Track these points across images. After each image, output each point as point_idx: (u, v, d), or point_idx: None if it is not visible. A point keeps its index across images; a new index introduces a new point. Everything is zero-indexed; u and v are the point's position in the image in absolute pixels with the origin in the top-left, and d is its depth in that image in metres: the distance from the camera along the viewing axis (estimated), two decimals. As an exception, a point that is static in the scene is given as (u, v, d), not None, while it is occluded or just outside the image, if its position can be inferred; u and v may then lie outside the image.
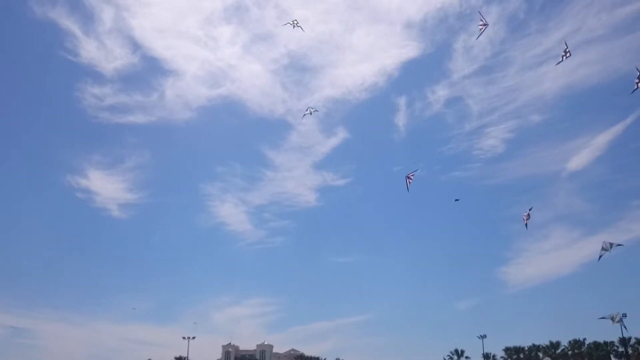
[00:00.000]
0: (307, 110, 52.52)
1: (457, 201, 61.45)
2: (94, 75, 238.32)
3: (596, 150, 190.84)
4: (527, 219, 53.02)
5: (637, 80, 36.98)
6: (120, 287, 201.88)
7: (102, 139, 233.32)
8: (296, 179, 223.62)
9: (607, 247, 41.51)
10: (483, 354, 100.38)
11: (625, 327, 77.63)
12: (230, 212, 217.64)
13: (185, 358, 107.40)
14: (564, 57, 38.01)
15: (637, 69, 36.95)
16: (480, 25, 37.85)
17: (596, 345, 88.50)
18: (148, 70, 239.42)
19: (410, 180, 49.82)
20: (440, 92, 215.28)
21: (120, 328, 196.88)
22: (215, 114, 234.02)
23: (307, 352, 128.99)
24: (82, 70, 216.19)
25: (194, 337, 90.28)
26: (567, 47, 39.77)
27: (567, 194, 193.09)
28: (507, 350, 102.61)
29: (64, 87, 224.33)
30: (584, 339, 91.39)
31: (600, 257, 41.66)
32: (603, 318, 60.39)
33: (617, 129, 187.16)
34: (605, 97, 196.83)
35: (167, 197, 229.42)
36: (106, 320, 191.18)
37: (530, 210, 53.88)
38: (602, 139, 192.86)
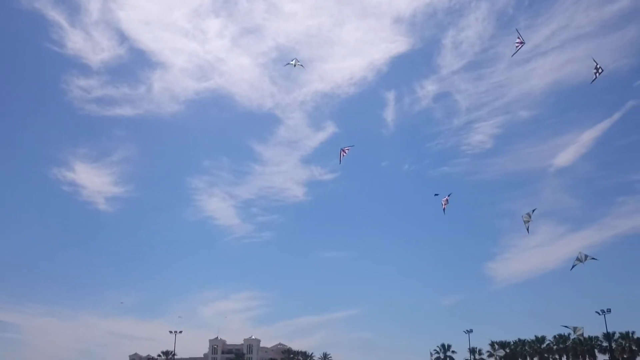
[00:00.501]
0: (292, 61, 50.29)
1: (436, 196, 60.93)
2: (80, 67, 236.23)
3: (583, 146, 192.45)
4: (528, 221, 50.99)
5: (595, 71, 36.87)
6: (107, 282, 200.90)
7: (88, 132, 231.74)
8: (284, 173, 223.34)
9: (582, 259, 41.71)
10: (469, 349, 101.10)
11: (582, 338, 79.03)
12: (218, 206, 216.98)
13: (172, 352, 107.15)
14: (597, 74, 36.71)
15: (594, 60, 36.75)
16: (517, 42, 37.30)
17: (581, 340, 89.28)
18: (135, 63, 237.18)
19: (446, 204, 50.40)
20: (429, 87, 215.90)
21: (106, 322, 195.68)
22: (203, 107, 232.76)
23: (295, 347, 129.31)
24: (68, 61, 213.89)
25: (180, 332, 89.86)
26: (597, 65, 38.60)
27: (554, 190, 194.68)
28: (493, 344, 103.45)
29: (50, 78, 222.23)
30: (569, 334, 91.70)
31: (573, 266, 41.81)
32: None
33: (603, 125, 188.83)
34: (593, 94, 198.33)
35: (154, 190, 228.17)
36: (93, 315, 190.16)
37: (533, 211, 51.56)
38: (588, 136, 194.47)
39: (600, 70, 36.43)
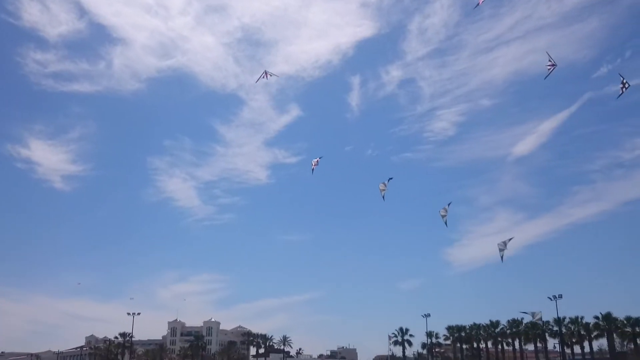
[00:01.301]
0: (264, 76, 47.80)
1: (390, 180, 61.50)
2: (36, 40, 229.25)
3: (542, 136, 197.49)
4: (445, 214, 52.63)
5: (548, 66, 37.24)
6: (62, 262, 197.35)
7: (44, 108, 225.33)
8: (247, 155, 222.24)
9: (503, 247, 42.66)
10: (426, 332, 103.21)
11: (541, 321, 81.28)
12: (179, 187, 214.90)
13: (129, 334, 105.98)
14: (623, 89, 36.13)
15: (548, 53, 37.24)
16: (549, 65, 36.71)
17: (533, 324, 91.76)
18: (95, 38, 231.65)
19: (384, 190, 50.12)
20: (394, 73, 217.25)
21: (62, 303, 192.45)
22: (165, 86, 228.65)
23: (254, 330, 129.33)
24: (24, 34, 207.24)
25: (139, 313, 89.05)
26: (550, 59, 38.57)
27: (513, 178, 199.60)
28: (449, 328, 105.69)
29: (4, 51, 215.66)
30: (522, 319, 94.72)
31: (502, 258, 42.77)
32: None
33: (562, 116, 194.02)
34: (552, 85, 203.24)
35: (113, 169, 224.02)
36: (47, 295, 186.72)
37: (448, 205, 53.20)
38: (547, 126, 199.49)
39: (553, 67, 36.69)
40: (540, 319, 51.19)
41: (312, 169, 43.45)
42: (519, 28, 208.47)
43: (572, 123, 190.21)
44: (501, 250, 42.39)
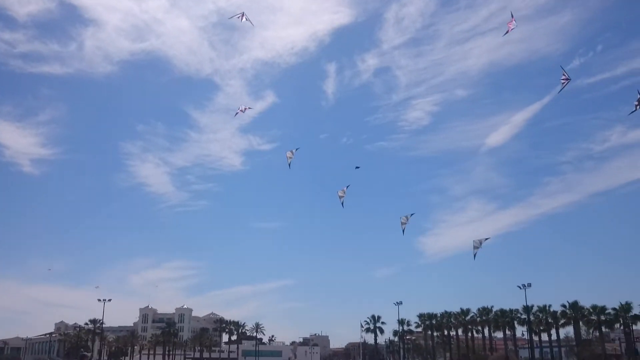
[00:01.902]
0: (238, 16, 43.80)
1: (357, 168, 62.14)
2: (4, 19, 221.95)
3: (514, 127, 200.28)
4: (405, 224, 53.32)
5: (562, 80, 36.53)
6: (31, 247, 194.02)
7: (13, 89, 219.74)
8: (221, 141, 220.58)
9: (478, 245, 42.95)
10: (398, 320, 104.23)
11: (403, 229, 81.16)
12: (151, 172, 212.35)
13: (100, 321, 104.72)
14: (638, 106, 35.11)
15: (562, 68, 36.35)
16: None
17: (502, 312, 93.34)
18: (66, 18, 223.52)
19: (343, 196, 50.59)
20: (370, 61, 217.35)
21: (31, 289, 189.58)
22: (137, 69, 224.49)
23: (227, 317, 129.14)
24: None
25: (109, 300, 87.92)
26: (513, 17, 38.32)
27: (485, 168, 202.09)
28: (420, 316, 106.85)
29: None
30: (492, 307, 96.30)
31: (474, 255, 43.10)
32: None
33: (534, 107, 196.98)
34: (526, 77, 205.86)
35: (83, 154, 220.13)
36: (15, 281, 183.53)
37: (411, 215, 53.90)
38: (520, 117, 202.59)
39: (567, 81, 36.19)
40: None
41: (289, 164, 42.53)
42: (494, 19, 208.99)
43: (544, 115, 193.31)
44: (476, 248, 42.62)
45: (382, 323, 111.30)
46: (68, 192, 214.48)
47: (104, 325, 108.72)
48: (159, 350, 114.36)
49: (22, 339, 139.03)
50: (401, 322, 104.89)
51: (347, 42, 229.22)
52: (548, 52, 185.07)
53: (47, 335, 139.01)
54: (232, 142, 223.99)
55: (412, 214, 49.47)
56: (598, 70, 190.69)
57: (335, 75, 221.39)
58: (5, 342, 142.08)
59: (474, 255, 42.80)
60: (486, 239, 43.52)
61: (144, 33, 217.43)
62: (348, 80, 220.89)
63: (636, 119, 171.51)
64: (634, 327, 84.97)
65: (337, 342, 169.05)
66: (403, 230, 44.80)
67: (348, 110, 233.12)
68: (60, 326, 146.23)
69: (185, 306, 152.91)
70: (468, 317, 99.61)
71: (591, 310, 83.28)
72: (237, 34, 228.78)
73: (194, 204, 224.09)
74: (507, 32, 37.81)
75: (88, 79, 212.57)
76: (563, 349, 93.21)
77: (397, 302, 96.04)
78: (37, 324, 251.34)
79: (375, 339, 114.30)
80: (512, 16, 37.64)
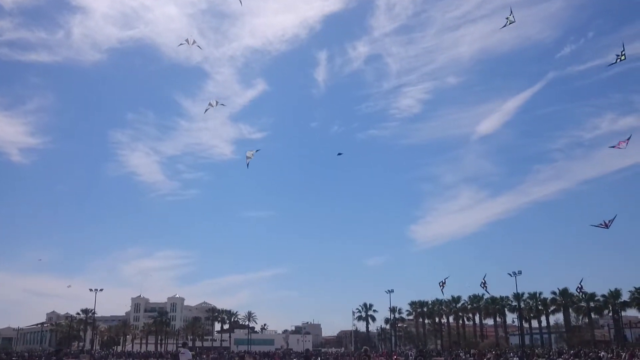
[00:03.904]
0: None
1: (339, 155, 63.32)
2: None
3: (505, 115, 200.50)
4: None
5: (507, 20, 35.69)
6: (22, 237, 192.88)
7: (0, 77, 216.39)
8: (212, 130, 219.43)
9: (250, 156, 41.80)
10: (390, 308, 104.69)
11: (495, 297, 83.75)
12: (142, 161, 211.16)
13: (92, 311, 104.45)
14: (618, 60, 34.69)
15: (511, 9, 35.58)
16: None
17: (493, 299, 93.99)
18: (53, 6, 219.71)
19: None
20: (361, 49, 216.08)
21: (22, 279, 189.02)
22: (126, 57, 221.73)
23: (219, 306, 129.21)
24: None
25: (101, 289, 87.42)
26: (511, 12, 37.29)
27: (477, 156, 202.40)
28: (412, 304, 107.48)
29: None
30: (482, 294, 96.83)
31: (247, 164, 41.96)
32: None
33: (525, 95, 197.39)
34: (517, 64, 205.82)
35: (72, 143, 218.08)
36: (6, 272, 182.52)
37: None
38: (511, 105, 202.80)
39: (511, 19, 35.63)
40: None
41: (247, 164, 41.56)
42: (486, 6, 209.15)
43: (535, 102, 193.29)
44: (248, 158, 41.50)
45: (374, 311, 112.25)
46: (57, 181, 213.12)
47: (96, 315, 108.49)
48: (151, 339, 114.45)
49: (14, 329, 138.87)
50: (393, 310, 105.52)
51: (338, 29, 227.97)
52: (540, 39, 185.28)
53: (39, 326, 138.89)
54: (223, 131, 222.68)
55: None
56: (589, 57, 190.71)
57: (326, 63, 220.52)
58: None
59: (247, 165, 41.85)
60: (257, 150, 42.74)
61: (132, 20, 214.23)
62: (339, 68, 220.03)
63: (626, 107, 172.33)
64: (623, 313, 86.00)
65: (329, 331, 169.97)
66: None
67: (339, 98, 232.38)
68: (52, 316, 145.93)
69: (177, 295, 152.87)
70: (459, 305, 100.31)
71: (581, 297, 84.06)
72: (227, 21, 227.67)
73: (184, 193, 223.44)
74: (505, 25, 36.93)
75: (76, 67, 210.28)
76: (553, 336, 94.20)
77: (389, 290, 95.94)
78: (29, 314, 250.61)
79: (367, 327, 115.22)
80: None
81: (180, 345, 18.19)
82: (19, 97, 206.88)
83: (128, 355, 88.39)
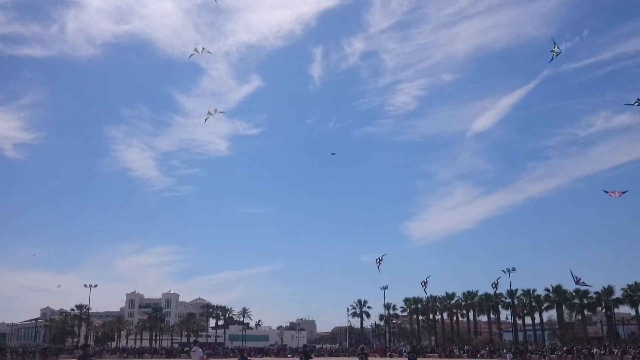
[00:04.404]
0: (212, 112, 42.50)
1: (333, 155, 64.67)
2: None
3: (500, 112, 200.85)
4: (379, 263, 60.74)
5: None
6: (16, 233, 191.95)
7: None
8: (207, 126, 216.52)
9: (212, 113, 41.90)
10: (384, 304, 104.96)
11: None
12: (136, 157, 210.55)
13: (86, 306, 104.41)
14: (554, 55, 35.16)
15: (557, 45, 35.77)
16: (554, 51, 34.48)
17: (487, 296, 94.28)
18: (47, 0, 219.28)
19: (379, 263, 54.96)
20: (357, 45, 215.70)
21: (17, 275, 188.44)
22: (121, 52, 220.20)
23: (214, 302, 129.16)
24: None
25: (96, 285, 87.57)
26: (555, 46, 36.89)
27: (472, 153, 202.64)
28: (406, 300, 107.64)
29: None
30: (476, 291, 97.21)
31: (205, 119, 42.19)
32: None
33: (520, 92, 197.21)
34: (512, 61, 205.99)
35: (67, 138, 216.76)
36: (0, 267, 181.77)
37: (382, 256, 61.33)
38: (506, 102, 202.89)
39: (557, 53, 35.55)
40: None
41: (205, 119, 41.77)
42: (481, 3, 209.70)
43: (530, 100, 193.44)
44: (210, 114, 41.69)
45: (368, 307, 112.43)
46: (52, 177, 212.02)
47: (90, 311, 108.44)
48: (146, 335, 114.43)
49: (8, 324, 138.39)
50: (387, 306, 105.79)
51: (334, 25, 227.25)
52: (535, 37, 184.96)
53: (33, 321, 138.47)
54: (218, 127, 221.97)
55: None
56: (584, 55, 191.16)
57: (322, 59, 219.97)
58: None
59: (205, 120, 42.14)
60: (220, 112, 42.94)
61: (127, 15, 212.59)
62: (334, 64, 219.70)
63: (620, 105, 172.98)
64: (616, 310, 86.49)
65: (324, 327, 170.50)
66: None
67: (334, 94, 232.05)
68: (46, 312, 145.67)
69: (172, 291, 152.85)
70: (453, 301, 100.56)
71: (574, 293, 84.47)
72: (222, 16, 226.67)
73: (179, 189, 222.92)
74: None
75: (71, 62, 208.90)
76: (546, 332, 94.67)
77: (383, 287, 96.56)
78: (23, 310, 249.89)
79: (362, 323, 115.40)
80: None
81: (192, 342, 18.51)
82: (12, 92, 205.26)
83: (122, 351, 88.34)
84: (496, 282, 69.80)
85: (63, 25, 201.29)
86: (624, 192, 37.93)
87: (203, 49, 38.78)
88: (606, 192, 38.98)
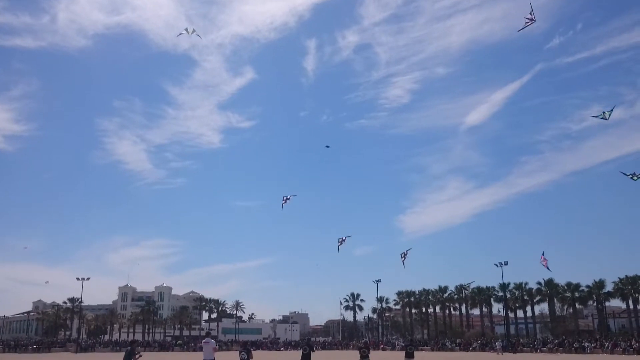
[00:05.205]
0: (189, 30, 42.42)
1: (327, 147, 63.44)
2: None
3: (493, 106, 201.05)
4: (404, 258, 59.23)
5: (526, 18, 34.57)
6: (7, 225, 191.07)
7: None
8: (200, 118, 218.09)
9: (189, 31, 41.42)
10: (377, 298, 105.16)
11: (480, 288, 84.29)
12: (129, 149, 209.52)
13: (78, 299, 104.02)
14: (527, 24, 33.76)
15: (531, 5, 34.32)
16: (527, 19, 33.39)
17: (479, 289, 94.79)
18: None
19: (285, 202, 50.52)
20: (351, 38, 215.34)
21: (8, 268, 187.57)
22: (113, 43, 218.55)
23: (207, 295, 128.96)
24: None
25: (88, 278, 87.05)
26: (531, 12, 35.26)
27: (465, 147, 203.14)
28: (399, 294, 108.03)
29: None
30: (469, 284, 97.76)
31: (179, 34, 42.06)
32: None
33: (514, 86, 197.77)
34: (506, 55, 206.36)
35: (58, 130, 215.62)
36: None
37: (407, 251, 59.73)
38: (499, 96, 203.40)
39: (531, 22, 34.34)
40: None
41: (179, 34, 41.50)
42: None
43: (523, 94, 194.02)
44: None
45: (361, 300, 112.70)
46: (44, 169, 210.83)
47: (82, 304, 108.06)
48: (139, 328, 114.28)
49: (0, 317, 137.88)
50: (380, 299, 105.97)
51: (328, 17, 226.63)
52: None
53: (25, 314, 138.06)
54: (211, 119, 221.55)
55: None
56: (577, 49, 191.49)
57: (315, 52, 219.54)
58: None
59: (178, 34, 42.24)
60: (197, 35, 42.75)
61: (119, 6, 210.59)
62: (328, 57, 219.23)
63: (613, 99, 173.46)
64: (607, 304, 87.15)
65: (317, 320, 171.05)
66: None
67: (328, 87, 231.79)
68: (38, 305, 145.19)
69: (164, 284, 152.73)
70: (446, 295, 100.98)
71: (565, 287, 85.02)
72: (215, 8, 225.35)
73: (172, 181, 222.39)
74: (523, 27, 35.50)
75: (62, 53, 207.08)
76: (538, 325, 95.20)
77: (376, 280, 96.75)
78: (15, 303, 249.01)
79: (354, 316, 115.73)
80: (532, 12, 34.25)
81: (205, 334, 18.71)
82: (3, 83, 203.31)
83: (115, 344, 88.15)
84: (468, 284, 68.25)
85: (54, 16, 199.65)
86: None
87: (193, 30, 38.53)
88: (624, 173, 38.45)
